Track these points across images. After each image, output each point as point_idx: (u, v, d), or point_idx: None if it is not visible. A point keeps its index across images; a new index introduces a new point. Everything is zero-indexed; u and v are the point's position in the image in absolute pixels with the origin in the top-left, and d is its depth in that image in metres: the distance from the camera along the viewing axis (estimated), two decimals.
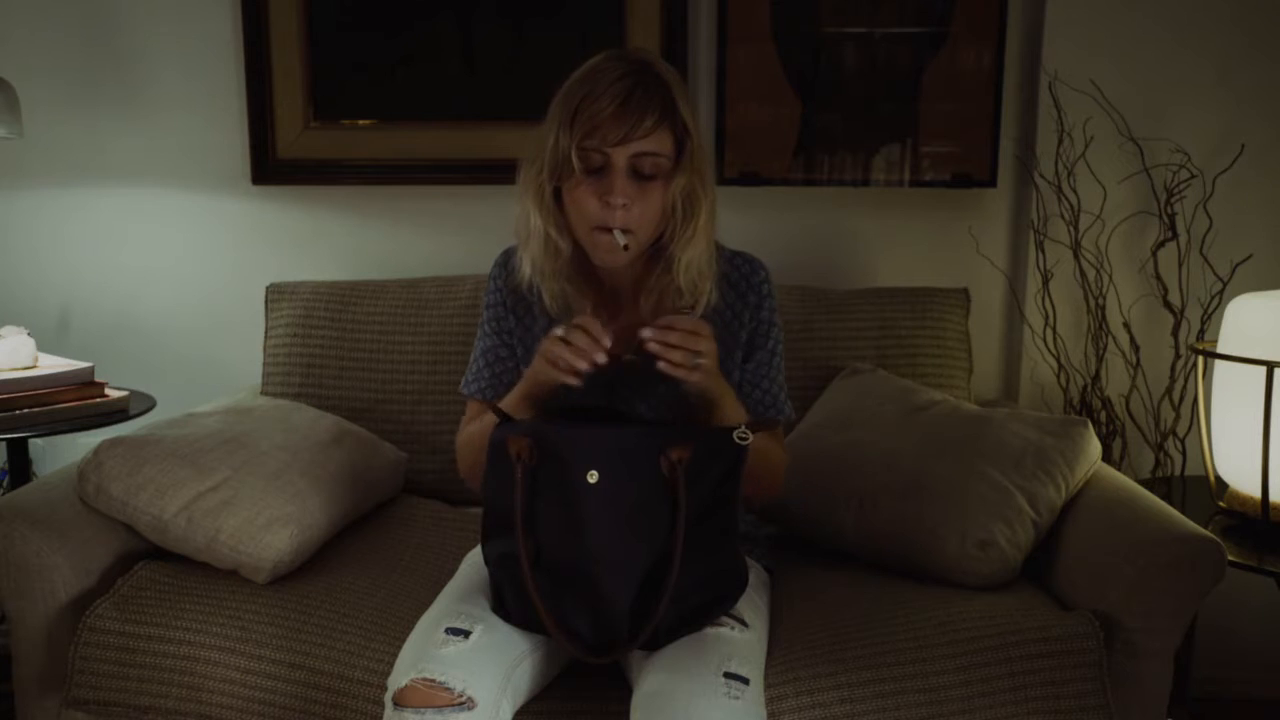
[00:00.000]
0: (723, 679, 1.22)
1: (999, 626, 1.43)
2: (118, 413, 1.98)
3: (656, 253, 1.44)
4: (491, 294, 1.56)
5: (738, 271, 1.50)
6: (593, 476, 1.26)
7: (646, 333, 1.29)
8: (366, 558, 1.69)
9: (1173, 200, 2.10)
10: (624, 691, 1.30)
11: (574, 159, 1.35)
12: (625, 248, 1.37)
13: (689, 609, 1.30)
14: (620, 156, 1.35)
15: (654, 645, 1.30)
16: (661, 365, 1.29)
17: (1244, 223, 2.14)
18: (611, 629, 1.28)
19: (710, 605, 1.32)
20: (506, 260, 1.54)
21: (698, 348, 1.29)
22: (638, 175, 1.36)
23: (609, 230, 1.37)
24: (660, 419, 1.45)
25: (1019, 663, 1.39)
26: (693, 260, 1.42)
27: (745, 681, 1.24)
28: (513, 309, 1.53)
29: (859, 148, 2.19)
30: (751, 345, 1.51)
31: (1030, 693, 1.38)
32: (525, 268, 1.46)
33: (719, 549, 1.32)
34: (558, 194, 1.41)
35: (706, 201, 1.41)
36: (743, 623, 1.34)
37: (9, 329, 1.99)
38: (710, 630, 1.30)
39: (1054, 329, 2.18)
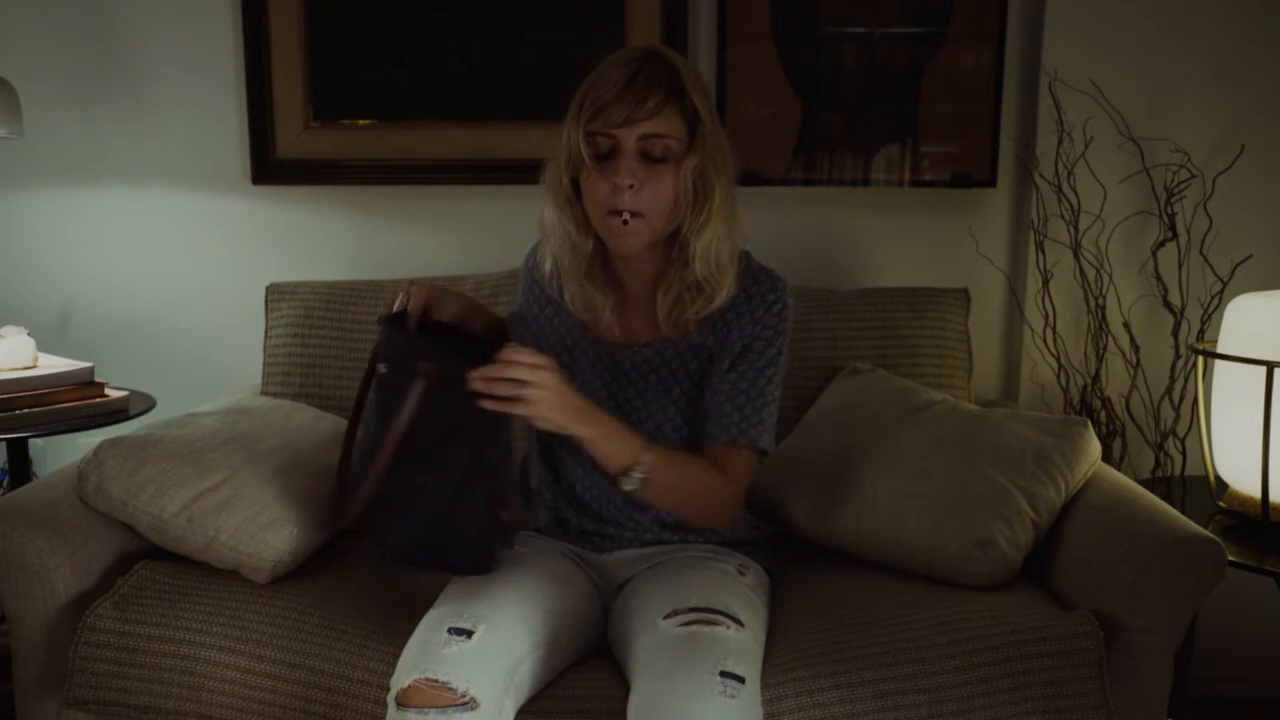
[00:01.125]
0: (719, 678, 1.22)
1: (999, 626, 1.43)
2: (118, 413, 1.98)
3: (674, 245, 1.44)
4: (521, 286, 1.61)
5: (756, 284, 1.48)
6: (382, 368, 1.40)
7: (474, 373, 1.24)
8: (367, 558, 1.69)
9: (1173, 200, 2.10)
10: (624, 690, 1.30)
11: (582, 146, 1.35)
12: (625, 222, 1.37)
13: (411, 531, 1.39)
14: (628, 139, 1.35)
15: (378, 539, 1.44)
16: (486, 404, 1.24)
17: (1244, 223, 2.14)
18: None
19: (428, 543, 1.39)
20: (535, 251, 1.58)
21: (515, 375, 1.23)
22: (648, 158, 1.36)
23: (619, 214, 1.37)
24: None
25: (1019, 662, 1.39)
26: (709, 248, 1.40)
27: (741, 680, 1.24)
28: (537, 299, 1.56)
29: (859, 148, 2.19)
30: (740, 357, 1.46)
31: (1030, 692, 1.38)
32: (546, 264, 1.50)
33: (436, 487, 1.36)
34: (577, 188, 1.41)
35: (721, 185, 1.39)
36: (738, 622, 1.33)
37: (9, 329, 1.99)
38: (706, 629, 1.30)
39: (1054, 329, 2.18)
